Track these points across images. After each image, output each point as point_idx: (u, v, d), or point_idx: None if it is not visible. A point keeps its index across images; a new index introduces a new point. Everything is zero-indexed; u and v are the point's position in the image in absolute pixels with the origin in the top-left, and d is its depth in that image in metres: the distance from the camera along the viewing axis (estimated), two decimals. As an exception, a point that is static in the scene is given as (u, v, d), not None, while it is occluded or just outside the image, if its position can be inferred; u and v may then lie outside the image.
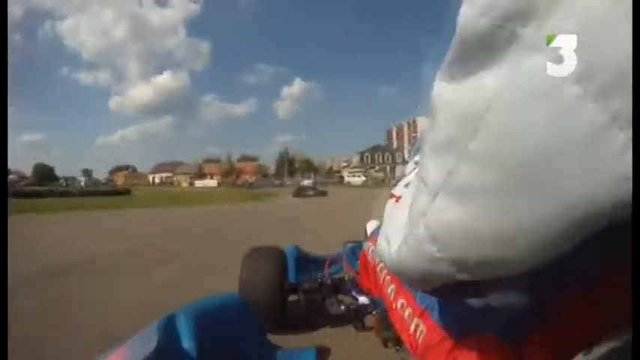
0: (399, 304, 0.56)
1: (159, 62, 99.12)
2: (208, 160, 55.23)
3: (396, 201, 0.42)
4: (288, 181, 38.28)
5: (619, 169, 0.16)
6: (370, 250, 0.76)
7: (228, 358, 0.55)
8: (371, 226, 1.36)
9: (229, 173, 47.59)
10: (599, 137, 0.16)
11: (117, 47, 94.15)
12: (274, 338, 0.89)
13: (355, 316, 1.35)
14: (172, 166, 54.76)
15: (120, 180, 50.09)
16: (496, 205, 0.20)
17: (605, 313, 0.32)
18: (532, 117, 0.18)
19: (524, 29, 0.18)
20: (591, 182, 0.17)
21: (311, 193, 17.75)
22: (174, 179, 49.99)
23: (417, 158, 0.60)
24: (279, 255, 1.54)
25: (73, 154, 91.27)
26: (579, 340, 0.32)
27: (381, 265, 0.67)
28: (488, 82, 0.19)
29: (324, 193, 17.86)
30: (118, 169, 60.96)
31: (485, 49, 0.19)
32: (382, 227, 0.39)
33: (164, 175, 52.97)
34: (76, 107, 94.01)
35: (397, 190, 0.45)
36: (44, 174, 46.10)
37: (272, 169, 50.71)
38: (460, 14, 0.20)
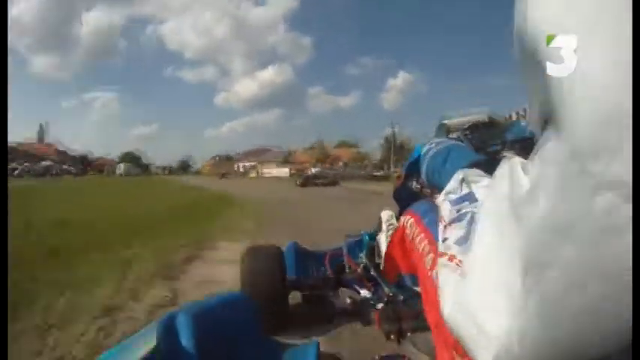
0: (434, 274, 0.58)
1: (262, 58, 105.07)
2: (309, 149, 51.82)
3: (451, 261, 0.49)
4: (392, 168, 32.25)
5: None
6: (409, 222, 0.78)
7: (230, 356, 0.55)
8: (385, 215, 1.37)
9: (322, 161, 42.67)
10: None
11: (219, 46, 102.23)
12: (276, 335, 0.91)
13: (358, 310, 1.35)
14: (257, 154, 52.70)
15: (206, 169, 52.39)
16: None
17: None
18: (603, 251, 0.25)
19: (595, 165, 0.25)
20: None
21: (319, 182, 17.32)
22: (258, 168, 49.88)
23: (451, 197, 0.63)
24: (276, 253, 1.54)
25: (179, 146, 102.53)
26: None
27: (422, 235, 0.69)
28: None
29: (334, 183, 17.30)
30: (213, 158, 65.37)
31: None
32: (444, 295, 0.46)
33: (248, 163, 54.16)
34: (182, 103, 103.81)
35: (453, 250, 0.50)
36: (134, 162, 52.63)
37: (376, 157, 46.35)
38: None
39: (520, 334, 0.28)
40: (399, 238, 0.83)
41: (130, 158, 50.15)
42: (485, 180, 0.60)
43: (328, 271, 1.57)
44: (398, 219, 1.35)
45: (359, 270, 1.50)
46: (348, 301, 1.37)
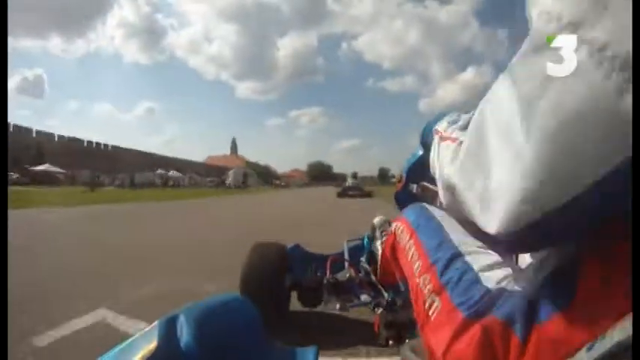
0: (421, 280, 0.58)
1: (459, 59, 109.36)
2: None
3: (453, 142, 0.50)
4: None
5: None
6: (400, 229, 0.77)
7: (230, 357, 0.54)
8: (378, 221, 1.37)
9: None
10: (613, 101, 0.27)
11: (415, 52, 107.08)
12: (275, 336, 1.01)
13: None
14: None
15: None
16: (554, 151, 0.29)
17: (609, 310, 0.33)
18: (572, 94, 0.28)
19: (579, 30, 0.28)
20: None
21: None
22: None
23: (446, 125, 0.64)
24: (281, 251, 1.58)
25: (384, 156, 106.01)
26: (583, 334, 0.34)
27: (411, 242, 0.69)
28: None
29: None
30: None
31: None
32: (444, 163, 0.47)
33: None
34: (387, 114, 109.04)
35: (455, 134, 0.51)
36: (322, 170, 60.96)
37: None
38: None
39: (523, 172, 0.31)
40: (391, 244, 0.82)
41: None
42: None
43: (329, 275, 1.58)
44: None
45: (359, 274, 1.50)
46: (345, 305, 1.38)
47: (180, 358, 0.50)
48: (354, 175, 23.03)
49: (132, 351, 0.48)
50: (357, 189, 18.89)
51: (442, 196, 0.50)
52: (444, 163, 0.47)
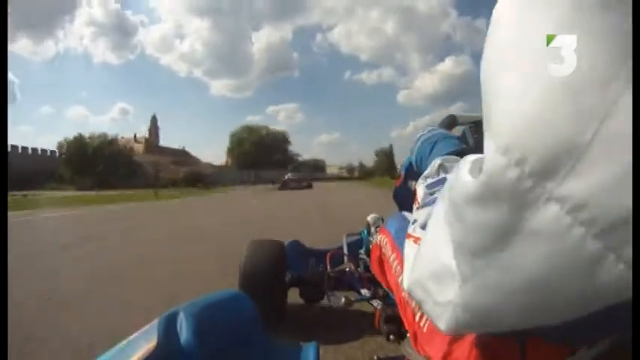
0: (406, 294, 0.58)
1: (438, 49, 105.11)
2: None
3: (415, 243, 0.49)
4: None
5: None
6: (384, 242, 0.78)
7: (230, 354, 0.55)
8: (372, 219, 1.38)
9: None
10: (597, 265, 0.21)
11: (392, 43, 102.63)
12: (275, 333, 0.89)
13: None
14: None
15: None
16: (513, 300, 0.25)
17: (609, 310, 0.34)
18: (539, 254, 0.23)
19: (548, 183, 0.22)
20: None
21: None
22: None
23: (427, 182, 0.64)
24: (278, 248, 1.57)
25: (364, 148, 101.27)
26: (583, 334, 0.34)
27: (393, 255, 0.69)
28: (509, 218, 0.23)
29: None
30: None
31: (510, 194, 0.23)
32: (406, 272, 0.46)
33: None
34: (365, 106, 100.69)
35: (417, 232, 0.50)
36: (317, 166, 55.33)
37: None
38: (488, 159, 0.25)
39: (463, 307, 0.28)
40: (377, 257, 0.82)
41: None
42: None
43: (329, 269, 1.58)
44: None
45: (359, 269, 1.51)
46: (344, 300, 1.38)
47: (180, 354, 0.50)
48: (295, 168, 23.50)
49: (132, 348, 0.48)
50: (296, 181, 19.42)
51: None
52: (405, 266, 0.48)
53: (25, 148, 41.76)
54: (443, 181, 0.59)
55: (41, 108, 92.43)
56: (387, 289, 0.88)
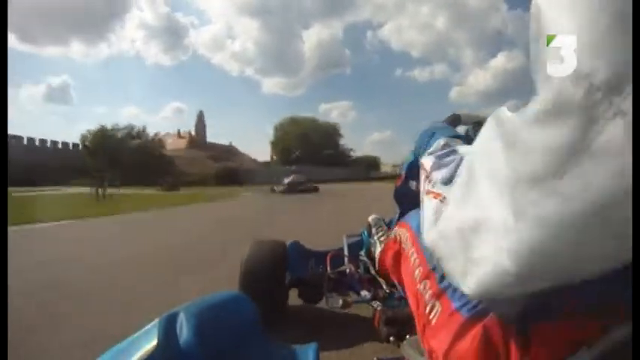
0: (422, 286, 0.59)
1: (490, 44, 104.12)
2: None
3: (436, 198, 0.48)
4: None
5: None
6: (404, 236, 0.78)
7: (230, 355, 0.55)
8: (373, 219, 1.38)
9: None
10: None
11: (443, 39, 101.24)
12: (275, 334, 0.87)
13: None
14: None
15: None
16: (570, 234, 0.25)
17: (609, 311, 0.34)
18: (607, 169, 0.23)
19: (615, 97, 0.22)
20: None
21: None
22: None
23: (436, 154, 0.64)
24: (280, 248, 1.58)
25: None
26: (583, 334, 0.35)
27: (413, 249, 0.70)
28: (575, 132, 0.24)
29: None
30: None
31: (579, 107, 0.24)
32: (427, 227, 0.47)
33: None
34: (416, 102, 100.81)
35: (437, 189, 0.50)
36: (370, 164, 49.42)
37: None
38: (552, 79, 0.25)
39: (511, 252, 0.28)
40: (395, 251, 0.82)
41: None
42: (466, 146, 0.61)
43: (329, 271, 1.58)
44: (391, 221, 1.36)
45: (359, 270, 1.51)
46: (340, 302, 1.38)
47: (181, 355, 0.50)
48: (295, 171, 23.11)
49: (132, 349, 0.49)
50: (301, 184, 18.81)
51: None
52: (425, 222, 0.47)
53: (54, 142, 41.60)
54: (452, 152, 0.60)
55: (97, 109, 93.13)
56: (398, 284, 0.88)
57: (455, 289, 0.50)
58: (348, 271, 1.52)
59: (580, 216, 0.24)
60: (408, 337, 0.86)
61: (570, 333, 0.36)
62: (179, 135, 54.49)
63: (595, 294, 0.34)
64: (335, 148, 48.76)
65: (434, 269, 0.57)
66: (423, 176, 0.59)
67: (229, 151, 56.08)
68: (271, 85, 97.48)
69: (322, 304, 1.56)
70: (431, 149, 0.67)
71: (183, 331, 0.52)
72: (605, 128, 0.23)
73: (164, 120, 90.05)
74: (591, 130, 0.23)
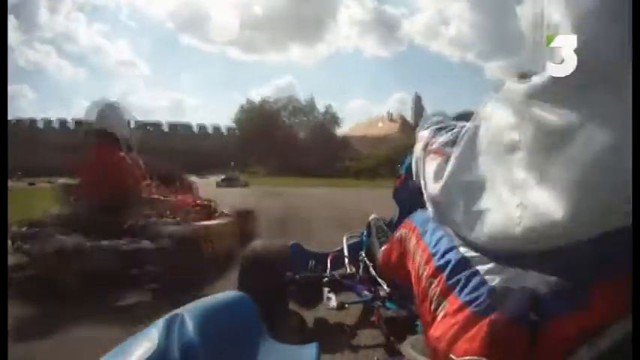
0: (428, 284, 0.59)
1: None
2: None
3: (440, 157, 0.50)
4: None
5: None
6: (408, 236, 0.79)
7: (231, 356, 0.54)
8: (373, 220, 1.38)
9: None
10: None
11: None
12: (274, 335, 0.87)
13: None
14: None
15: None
16: (571, 194, 0.27)
17: (609, 310, 0.34)
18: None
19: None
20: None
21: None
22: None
23: (433, 127, 0.64)
24: (281, 249, 1.58)
25: None
26: (584, 332, 0.35)
27: (417, 247, 0.70)
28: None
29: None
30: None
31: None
32: (431, 182, 0.49)
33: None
34: None
35: (436, 146, 0.51)
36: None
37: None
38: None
39: (520, 205, 0.30)
40: (399, 251, 0.83)
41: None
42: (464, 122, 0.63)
43: (330, 272, 1.58)
44: (391, 221, 1.37)
45: (359, 271, 1.50)
46: (336, 303, 1.37)
47: (181, 356, 0.49)
48: (232, 168, 23.31)
49: (133, 350, 0.48)
50: (232, 180, 19.14)
51: (429, 207, 0.51)
52: (428, 178, 0.48)
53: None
54: (451, 125, 0.61)
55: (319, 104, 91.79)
56: (401, 284, 0.87)
57: (462, 286, 0.51)
58: (348, 271, 1.52)
59: (581, 175, 0.26)
60: (408, 336, 0.86)
61: (574, 330, 0.36)
62: (390, 118, 46.07)
63: (596, 294, 0.35)
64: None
65: (440, 266, 0.57)
66: (421, 144, 0.60)
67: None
68: (494, 68, 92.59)
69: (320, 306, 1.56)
70: (427, 124, 0.68)
71: (184, 331, 0.52)
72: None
73: (389, 109, 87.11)
74: (588, 99, 0.26)
